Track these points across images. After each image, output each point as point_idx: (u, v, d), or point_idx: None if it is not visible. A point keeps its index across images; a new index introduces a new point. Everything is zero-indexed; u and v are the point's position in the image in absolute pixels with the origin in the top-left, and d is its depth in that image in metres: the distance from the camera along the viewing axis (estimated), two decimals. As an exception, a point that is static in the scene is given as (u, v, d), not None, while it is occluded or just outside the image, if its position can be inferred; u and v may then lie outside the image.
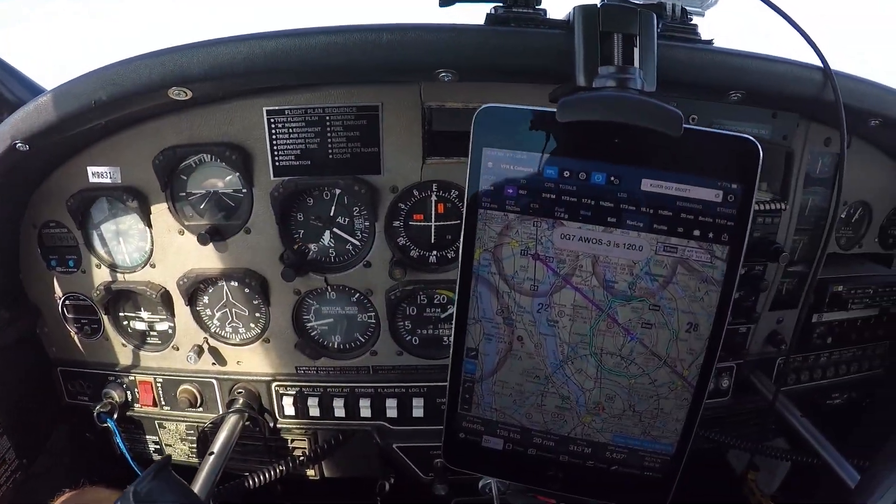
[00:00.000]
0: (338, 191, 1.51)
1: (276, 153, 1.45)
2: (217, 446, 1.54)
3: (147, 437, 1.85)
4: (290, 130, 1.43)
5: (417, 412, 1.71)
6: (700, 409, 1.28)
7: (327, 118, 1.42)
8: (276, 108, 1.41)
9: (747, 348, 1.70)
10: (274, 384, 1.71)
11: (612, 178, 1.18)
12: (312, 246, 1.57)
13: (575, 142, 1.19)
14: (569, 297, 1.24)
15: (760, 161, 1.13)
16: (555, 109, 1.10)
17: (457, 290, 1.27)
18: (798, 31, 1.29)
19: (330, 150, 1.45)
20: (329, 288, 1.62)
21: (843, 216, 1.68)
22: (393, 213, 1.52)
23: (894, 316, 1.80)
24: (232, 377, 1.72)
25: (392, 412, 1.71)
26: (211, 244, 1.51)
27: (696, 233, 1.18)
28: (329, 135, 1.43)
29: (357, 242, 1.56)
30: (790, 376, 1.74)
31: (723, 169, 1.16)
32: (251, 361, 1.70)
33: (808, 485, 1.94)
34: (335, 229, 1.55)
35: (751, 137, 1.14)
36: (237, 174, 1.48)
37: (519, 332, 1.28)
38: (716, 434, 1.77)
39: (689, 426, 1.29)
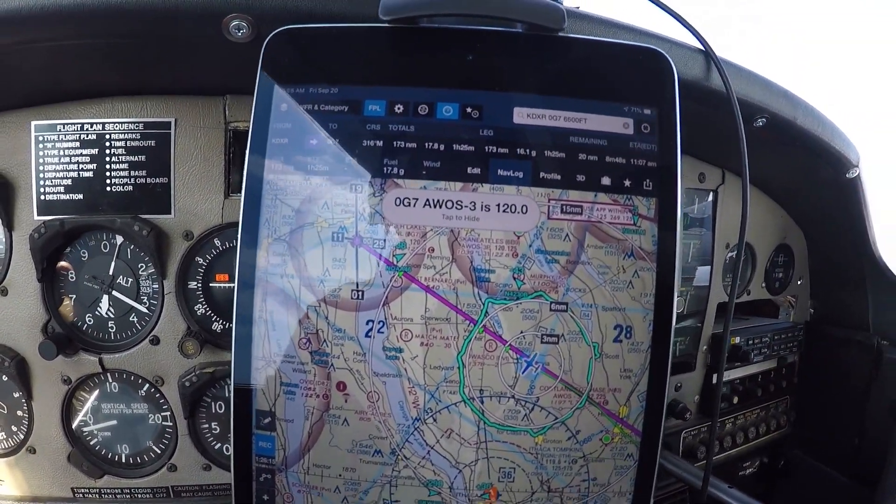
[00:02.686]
0: (119, 241, 0.95)
1: (42, 183, 0.91)
2: None
3: None
4: (62, 153, 0.91)
5: (238, 550, 1.00)
6: (655, 469, 0.66)
7: (107, 137, 0.91)
8: (47, 122, 0.91)
9: None
10: None
11: (469, 110, 0.64)
12: (87, 316, 0.96)
13: (410, 62, 0.67)
14: (417, 304, 0.63)
15: (677, 77, 0.66)
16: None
17: (234, 312, 0.63)
18: (668, 12, 0.87)
19: (108, 181, 0.92)
20: (107, 375, 0.98)
21: (726, 261, 1.26)
22: (188, 269, 0.95)
23: (792, 366, 1.39)
24: None
25: (203, 551, 1.05)
26: None
27: (606, 181, 0.64)
28: (108, 160, 0.92)
29: (144, 310, 0.96)
30: (699, 449, 1.25)
31: (627, 89, 0.67)
32: (15, 480, 1.04)
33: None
34: (115, 292, 0.95)
35: (658, 49, 0.68)
36: None
37: (339, 374, 0.64)
38: None
39: (643, 500, 0.66)
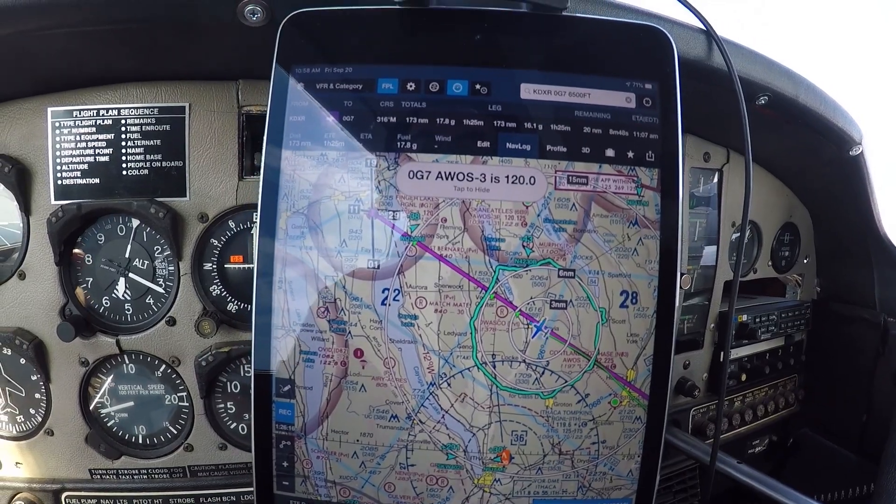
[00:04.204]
0: (135, 224, 0.97)
1: (58, 168, 0.93)
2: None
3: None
4: (78, 138, 0.93)
5: (256, 529, 1.03)
6: (663, 431, 0.68)
7: (123, 122, 0.93)
8: (63, 108, 0.93)
9: None
10: (64, 495, 1.04)
11: (478, 87, 0.67)
12: (104, 299, 0.99)
13: (421, 42, 0.70)
14: (430, 272, 0.66)
15: (677, 54, 0.69)
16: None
17: (254, 283, 0.66)
18: None
19: (124, 165, 0.94)
20: (124, 356, 1.01)
21: (732, 239, 1.27)
22: (203, 251, 0.98)
23: (800, 344, 1.40)
24: (10, 485, 1.05)
25: (221, 529, 1.08)
26: None
27: (610, 153, 0.66)
28: (124, 144, 0.94)
29: (161, 290, 0.98)
30: (708, 427, 1.26)
31: (628, 65, 0.70)
32: (33, 462, 1.05)
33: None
34: (131, 274, 0.98)
35: (658, 27, 0.71)
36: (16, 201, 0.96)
37: (356, 342, 0.67)
38: None
39: (652, 463, 0.68)
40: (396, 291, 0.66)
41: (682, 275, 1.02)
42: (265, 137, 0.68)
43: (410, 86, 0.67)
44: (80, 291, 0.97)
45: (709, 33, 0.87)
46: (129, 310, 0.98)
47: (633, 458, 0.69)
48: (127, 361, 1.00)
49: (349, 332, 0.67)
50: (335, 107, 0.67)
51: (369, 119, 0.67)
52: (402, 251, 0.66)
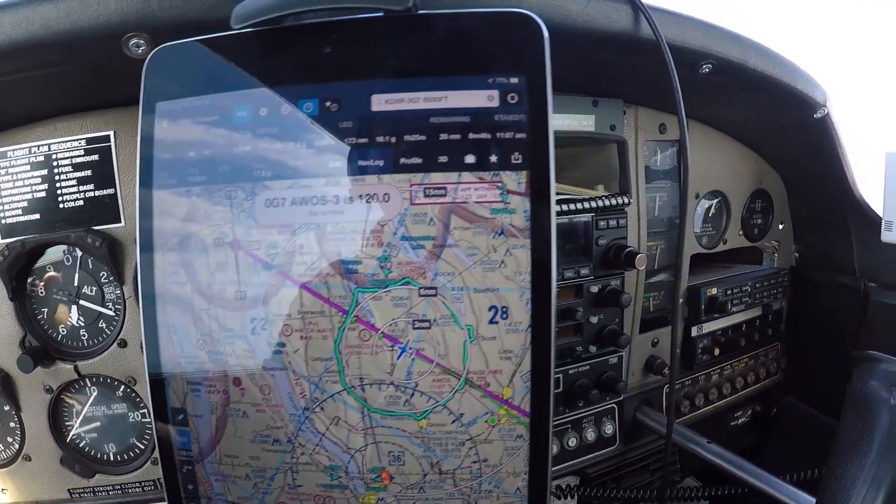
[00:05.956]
0: (79, 253, 0.96)
1: (1, 209, 0.93)
2: None
3: None
4: (15, 178, 0.92)
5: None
6: (549, 449, 0.60)
7: (54, 157, 0.92)
8: None
9: (625, 381, 1.05)
10: None
11: (328, 104, 0.59)
12: (60, 327, 0.98)
13: (274, 65, 0.63)
14: (292, 300, 0.61)
15: (546, 39, 0.57)
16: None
17: (141, 318, 0.64)
18: None
19: (60, 198, 0.93)
20: (84, 380, 1.00)
21: (698, 211, 1.14)
22: None
23: (779, 312, 1.25)
24: None
25: (193, 541, 1.03)
26: None
27: (470, 159, 0.58)
28: (58, 178, 0.93)
29: (112, 314, 0.97)
30: (683, 404, 1.15)
31: (490, 59, 0.59)
32: (16, 488, 1.06)
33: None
34: (82, 301, 0.97)
35: (522, 11, 0.59)
36: None
37: (234, 371, 0.63)
38: (613, 491, 1.07)
39: (541, 479, 0.61)
40: (263, 321, 0.62)
41: (637, 255, 0.92)
42: (137, 176, 0.64)
43: (263, 111, 0.61)
44: (62, 311, 0.96)
45: (633, 2, 0.75)
46: (84, 335, 0.97)
47: (518, 475, 0.61)
48: (88, 385, 0.99)
49: (226, 362, 0.63)
50: (196, 141, 0.63)
51: (227, 150, 0.62)
52: (265, 280, 0.61)
